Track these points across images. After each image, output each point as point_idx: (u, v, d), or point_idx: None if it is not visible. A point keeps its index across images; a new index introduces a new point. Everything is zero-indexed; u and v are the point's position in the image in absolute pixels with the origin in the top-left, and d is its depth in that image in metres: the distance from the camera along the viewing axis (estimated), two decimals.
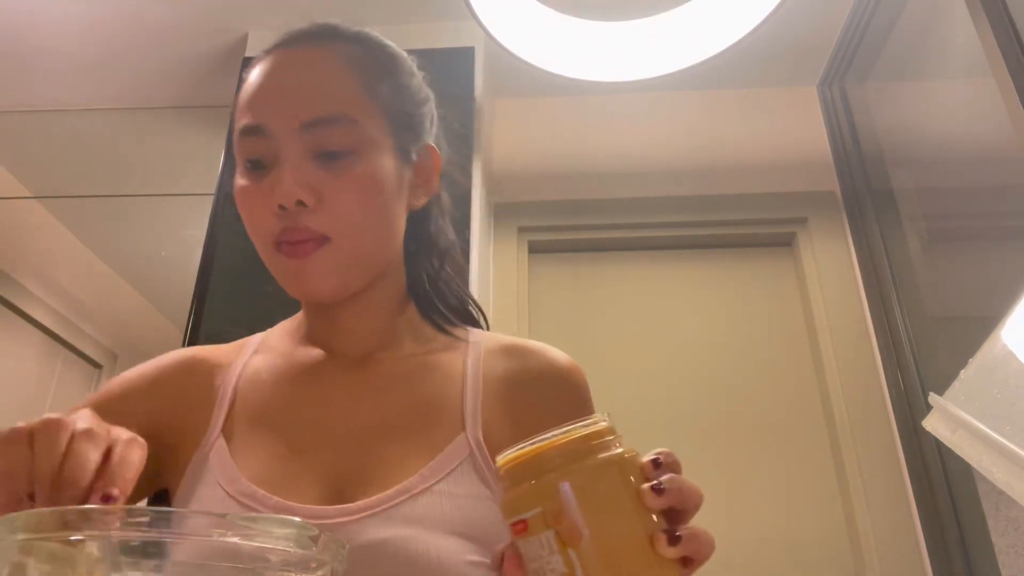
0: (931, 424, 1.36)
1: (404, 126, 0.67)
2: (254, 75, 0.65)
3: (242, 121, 0.63)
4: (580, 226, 2.00)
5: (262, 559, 0.33)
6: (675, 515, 0.40)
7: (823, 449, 1.74)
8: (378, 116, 0.64)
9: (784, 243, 1.99)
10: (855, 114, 1.95)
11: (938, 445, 1.49)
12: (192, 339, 1.55)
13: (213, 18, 1.91)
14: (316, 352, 0.68)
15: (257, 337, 0.73)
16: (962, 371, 1.29)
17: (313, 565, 0.34)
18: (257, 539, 0.33)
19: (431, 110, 0.73)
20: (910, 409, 1.62)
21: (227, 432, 0.61)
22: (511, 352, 0.69)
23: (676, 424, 1.78)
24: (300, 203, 0.59)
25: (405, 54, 0.73)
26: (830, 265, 1.88)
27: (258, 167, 0.63)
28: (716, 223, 1.97)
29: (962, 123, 1.53)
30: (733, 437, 1.76)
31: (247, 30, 1.93)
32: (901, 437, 1.65)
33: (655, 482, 0.40)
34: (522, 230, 2.01)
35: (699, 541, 0.39)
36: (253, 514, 0.33)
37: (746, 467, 1.73)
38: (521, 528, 0.39)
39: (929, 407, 1.39)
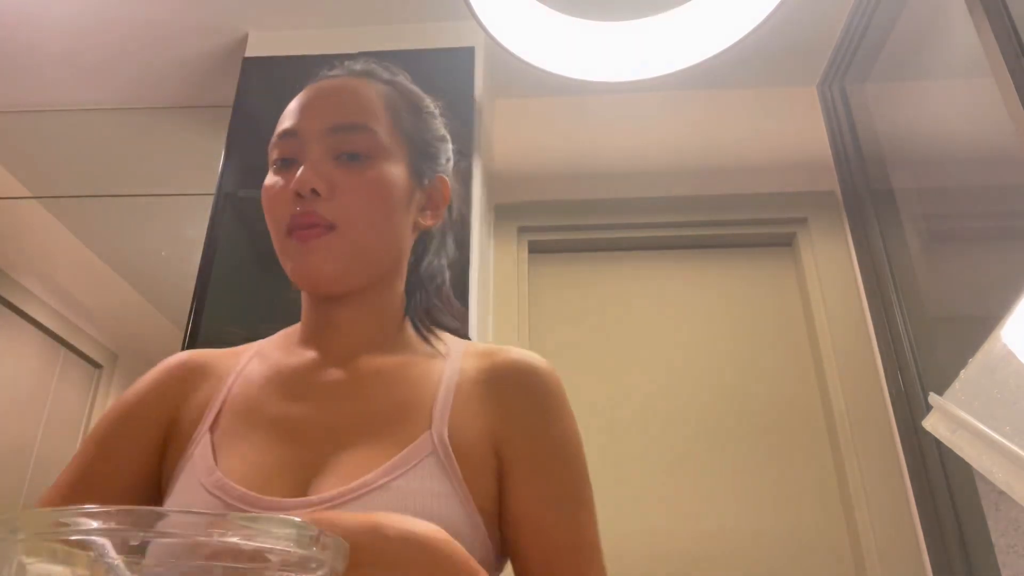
0: (931, 424, 1.36)
1: (420, 152, 0.75)
2: (297, 97, 0.73)
3: (281, 126, 0.71)
4: (580, 226, 2.00)
5: (262, 559, 0.33)
6: None
7: (823, 449, 1.74)
8: (397, 135, 0.72)
9: (784, 243, 1.99)
10: (855, 114, 1.95)
11: (938, 445, 1.49)
12: (192, 339, 1.55)
13: (213, 18, 1.91)
14: (308, 355, 0.71)
15: (255, 344, 0.76)
16: (962, 371, 1.29)
17: (313, 565, 0.34)
18: (257, 539, 0.33)
19: (448, 151, 0.81)
20: (910, 409, 1.62)
21: (214, 429, 0.65)
22: (485, 353, 0.71)
23: (676, 424, 1.78)
24: (315, 192, 0.65)
25: (430, 100, 0.81)
26: (830, 265, 1.88)
27: (286, 165, 0.69)
28: (716, 223, 1.97)
29: (962, 123, 1.53)
30: (733, 437, 1.76)
31: (247, 30, 1.93)
32: (901, 437, 1.65)
33: None
34: (522, 230, 2.01)
35: None
36: (253, 514, 0.33)
37: (746, 467, 1.73)
38: None
39: (929, 407, 1.39)
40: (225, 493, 0.58)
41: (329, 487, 0.58)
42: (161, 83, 2.11)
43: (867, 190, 1.87)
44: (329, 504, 0.56)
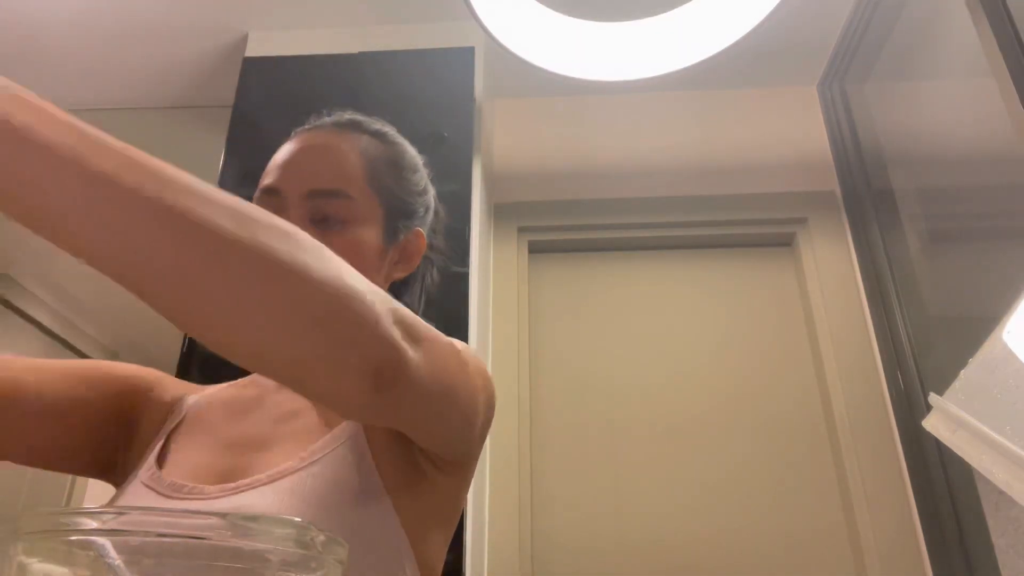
0: (931, 424, 1.36)
1: (397, 210, 0.78)
2: (284, 146, 0.77)
3: (264, 182, 0.74)
4: (580, 226, 2.00)
5: (262, 559, 0.33)
6: None
7: (823, 449, 1.74)
8: (374, 194, 0.75)
9: (784, 243, 1.99)
10: (855, 114, 1.95)
11: (938, 445, 1.49)
12: (192, 338, 1.55)
13: (213, 18, 1.91)
14: (261, 386, 0.76)
15: (222, 385, 0.81)
16: (962, 371, 1.29)
17: (313, 565, 0.34)
18: (257, 539, 0.33)
19: (428, 201, 0.84)
20: (910, 409, 1.62)
21: (169, 439, 0.70)
22: None
23: (676, 424, 1.78)
24: None
25: (415, 152, 0.85)
26: (830, 265, 1.88)
27: None
28: (716, 223, 1.97)
29: (962, 123, 1.53)
30: (733, 437, 1.76)
31: (247, 30, 1.93)
32: (901, 437, 1.65)
33: None
34: (522, 230, 2.01)
35: None
36: (253, 514, 0.33)
37: (746, 467, 1.73)
38: None
39: (929, 407, 1.39)
40: (157, 483, 0.63)
41: (251, 475, 0.62)
42: (161, 83, 2.11)
43: (867, 190, 1.87)
44: (241, 489, 0.59)
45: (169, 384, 0.78)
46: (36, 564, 0.32)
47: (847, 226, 1.92)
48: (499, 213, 2.00)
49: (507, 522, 1.66)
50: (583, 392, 1.83)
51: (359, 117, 0.81)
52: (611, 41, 1.52)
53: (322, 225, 0.71)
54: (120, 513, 0.32)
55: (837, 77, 2.00)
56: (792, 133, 2.04)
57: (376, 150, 0.78)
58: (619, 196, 2.00)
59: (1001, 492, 1.18)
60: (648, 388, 1.83)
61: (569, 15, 1.49)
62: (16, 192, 0.37)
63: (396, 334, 0.48)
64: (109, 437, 0.71)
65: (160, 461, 0.67)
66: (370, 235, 0.74)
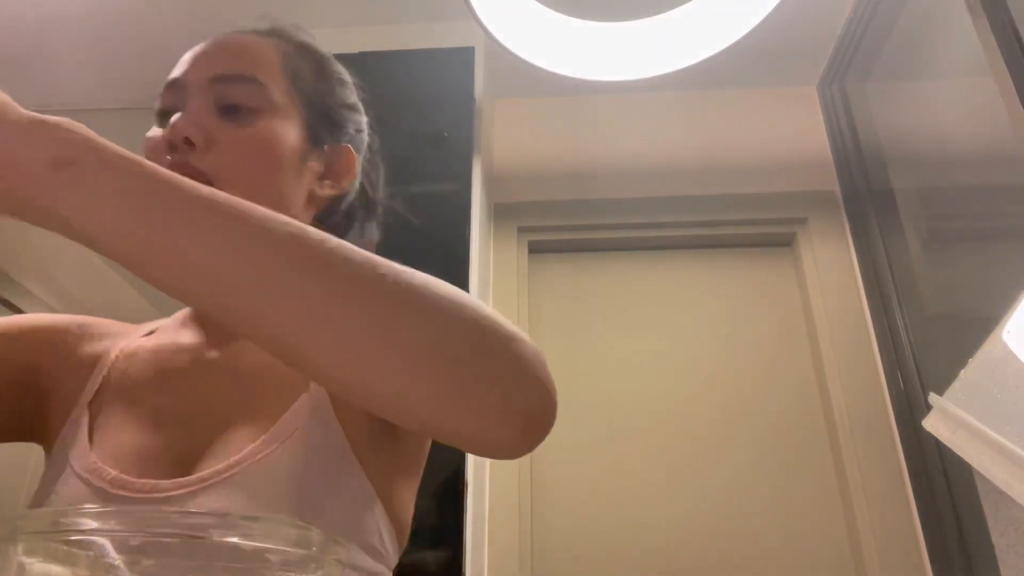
0: (931, 424, 1.36)
1: (320, 116, 0.69)
2: (191, 49, 0.68)
3: (168, 79, 0.66)
4: (580, 226, 2.00)
5: (262, 559, 0.33)
6: None
7: (823, 449, 1.74)
8: (294, 95, 0.66)
9: (784, 243, 1.99)
10: (855, 114, 1.95)
11: (938, 445, 1.49)
12: None
13: (213, 18, 1.91)
14: (193, 334, 0.67)
15: (159, 321, 0.73)
16: (962, 371, 1.29)
17: (313, 565, 0.34)
18: (257, 539, 0.33)
19: (359, 123, 0.75)
20: (910, 409, 1.62)
21: (94, 407, 0.61)
22: None
23: (676, 424, 1.78)
24: (189, 142, 0.60)
25: (345, 69, 0.76)
26: (830, 265, 1.88)
27: (167, 117, 0.64)
28: (716, 223, 1.97)
29: (962, 123, 1.53)
30: (733, 437, 1.76)
31: None
32: (901, 437, 1.65)
33: None
34: (522, 230, 2.01)
35: None
36: (254, 514, 0.33)
37: (746, 467, 1.73)
38: None
39: (929, 407, 1.39)
40: (96, 477, 0.55)
41: (207, 466, 0.55)
42: (161, 83, 2.11)
43: (867, 190, 1.87)
44: (205, 484, 0.53)
45: (94, 330, 0.68)
46: (36, 564, 0.32)
47: (847, 226, 1.91)
48: (499, 213, 2.00)
49: (507, 522, 1.66)
50: (583, 392, 1.83)
51: (283, 24, 0.73)
52: (611, 41, 1.52)
53: (230, 115, 0.62)
54: (120, 513, 0.32)
55: (837, 77, 2.00)
56: (792, 133, 2.04)
57: (298, 54, 0.70)
58: (619, 196, 2.00)
59: (1001, 492, 1.18)
60: (648, 388, 1.83)
61: (569, 15, 1.49)
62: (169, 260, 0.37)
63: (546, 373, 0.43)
64: (18, 403, 0.62)
65: (91, 436, 0.58)
66: (287, 130, 0.64)
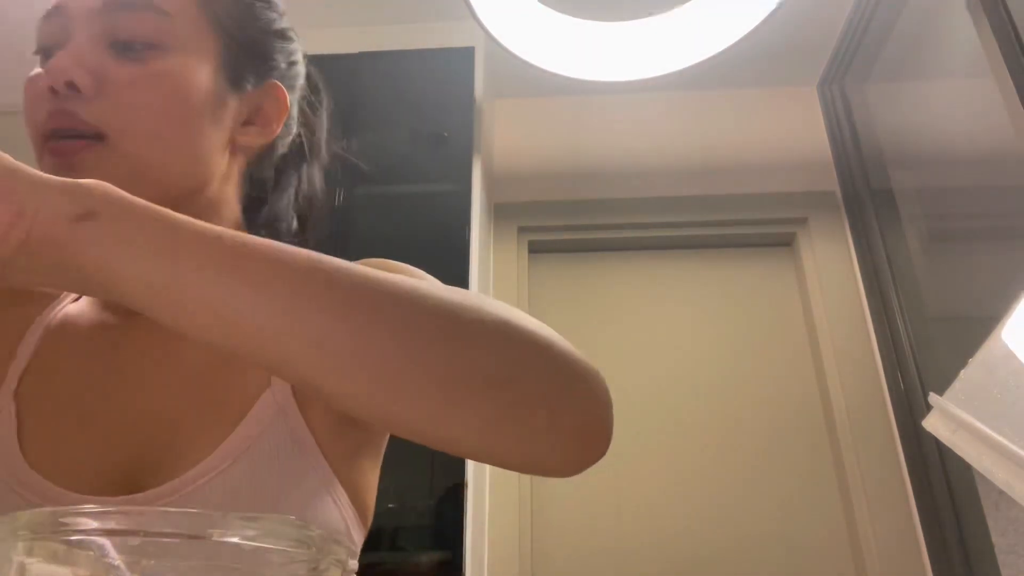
0: (931, 424, 1.36)
1: (242, 48, 0.57)
2: None
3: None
4: (580, 226, 2.00)
5: (262, 559, 0.33)
6: None
7: (823, 449, 1.74)
8: (205, 25, 0.55)
9: (784, 243, 1.99)
10: (855, 114, 1.95)
11: (938, 445, 1.49)
12: None
13: None
14: (118, 309, 0.57)
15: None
16: (962, 371, 1.29)
17: (313, 566, 0.34)
18: (257, 539, 0.33)
19: (291, 54, 0.63)
20: (910, 409, 1.62)
21: (20, 395, 0.52)
22: None
23: (676, 424, 1.78)
24: (73, 87, 0.50)
25: None
26: (830, 265, 1.88)
27: (49, 55, 0.54)
28: (716, 223, 1.97)
29: (962, 123, 1.53)
30: (733, 437, 1.76)
31: None
32: (901, 437, 1.65)
33: None
34: (522, 230, 2.01)
35: None
36: (255, 513, 0.33)
37: (746, 466, 1.73)
38: None
39: (929, 407, 1.39)
40: (32, 492, 0.48)
41: (158, 478, 0.48)
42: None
43: (867, 190, 1.87)
44: (165, 501, 0.47)
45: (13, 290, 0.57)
46: (36, 564, 0.32)
47: (847, 226, 1.92)
48: (499, 213, 2.00)
49: (507, 522, 1.66)
50: None
51: None
52: (611, 41, 1.52)
53: (124, 52, 0.51)
54: (121, 513, 0.32)
55: (837, 77, 2.00)
56: (792, 133, 2.04)
57: None
58: (619, 196, 2.00)
59: (1001, 492, 1.18)
60: (648, 387, 1.83)
61: (569, 15, 1.49)
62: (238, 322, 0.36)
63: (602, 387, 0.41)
64: None
65: (21, 438, 0.50)
66: (198, 71, 0.53)
